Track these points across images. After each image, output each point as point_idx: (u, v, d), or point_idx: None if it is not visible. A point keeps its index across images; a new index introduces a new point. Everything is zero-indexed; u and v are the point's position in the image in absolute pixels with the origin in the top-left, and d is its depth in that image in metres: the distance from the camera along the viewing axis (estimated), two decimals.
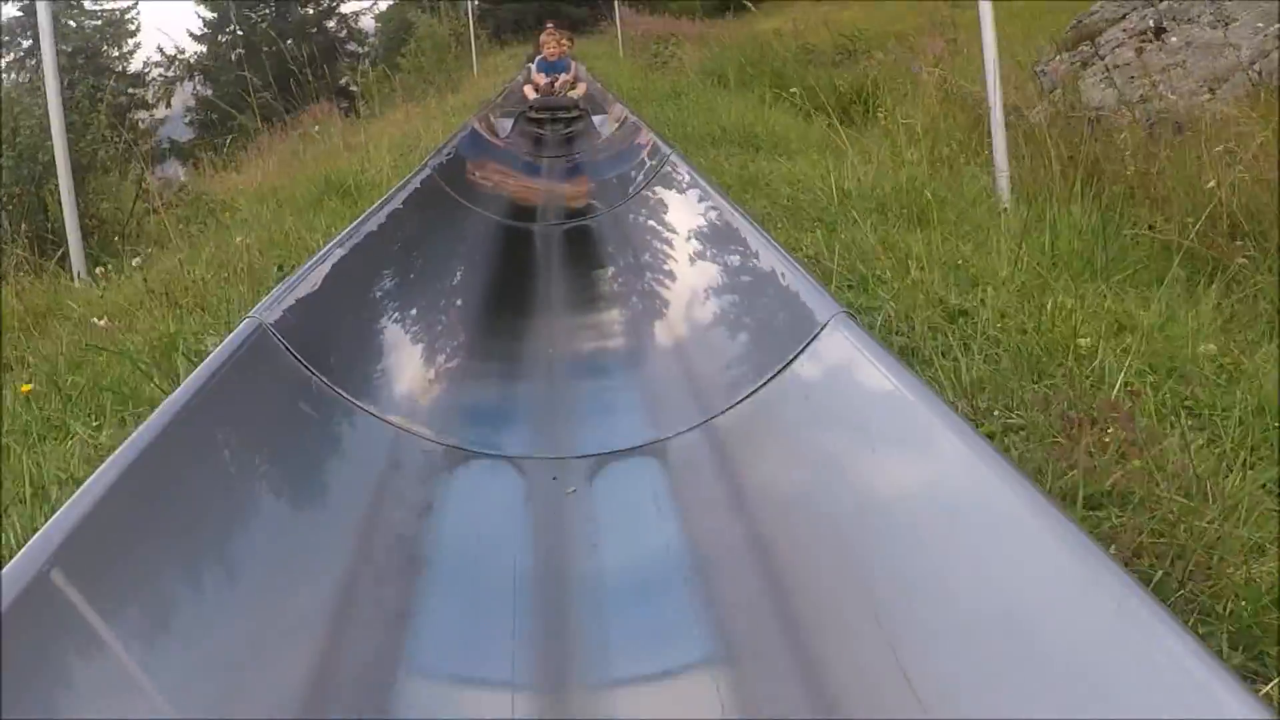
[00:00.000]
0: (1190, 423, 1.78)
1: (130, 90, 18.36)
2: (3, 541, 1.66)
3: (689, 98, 8.08)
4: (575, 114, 7.60)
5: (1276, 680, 1.19)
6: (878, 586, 1.29)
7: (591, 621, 1.49)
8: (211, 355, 1.65)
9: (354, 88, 17.36)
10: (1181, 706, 0.89)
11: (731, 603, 1.46)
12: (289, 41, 17.46)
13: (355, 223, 2.38)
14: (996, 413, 1.80)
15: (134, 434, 1.36)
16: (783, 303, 1.97)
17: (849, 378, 1.62)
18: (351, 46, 21.89)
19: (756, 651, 1.36)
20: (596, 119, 7.58)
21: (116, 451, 1.31)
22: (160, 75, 20.26)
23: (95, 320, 3.27)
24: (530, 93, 7.77)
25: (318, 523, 1.60)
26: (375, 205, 2.60)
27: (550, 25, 8.50)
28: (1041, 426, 1.72)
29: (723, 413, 1.93)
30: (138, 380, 2.37)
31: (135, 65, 20.20)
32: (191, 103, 19.54)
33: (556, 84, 7.76)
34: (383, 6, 22.40)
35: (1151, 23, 8.82)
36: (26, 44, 21.19)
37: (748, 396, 1.88)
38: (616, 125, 6.67)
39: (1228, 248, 3.27)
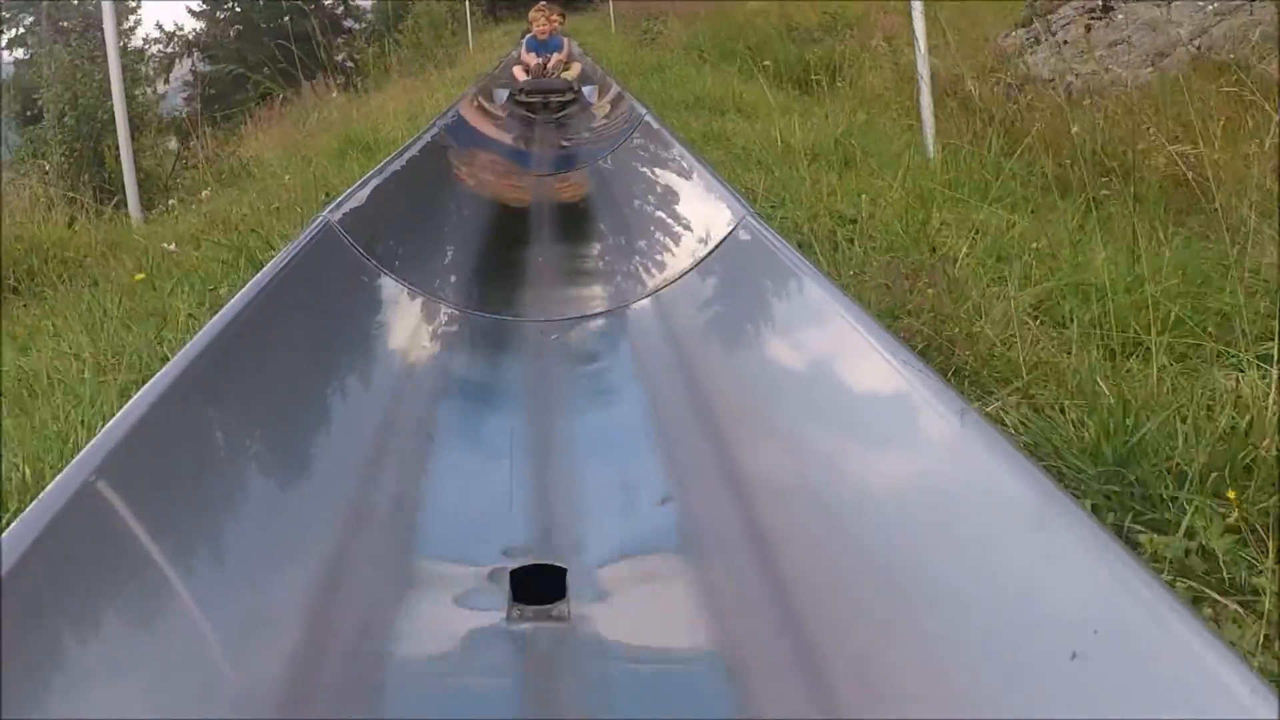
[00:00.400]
0: (990, 276, 2.58)
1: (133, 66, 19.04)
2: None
3: (672, 71, 8.78)
4: (569, 97, 7.20)
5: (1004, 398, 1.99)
6: (785, 406, 1.86)
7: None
8: (287, 247, 2.22)
9: (350, 64, 18.11)
10: (1185, 683, 0.88)
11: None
12: (287, 19, 18.17)
13: (400, 149, 3.19)
14: (853, 272, 2.61)
15: (229, 303, 1.76)
16: (711, 211, 2.76)
17: (753, 263, 2.39)
18: (349, 23, 22.67)
19: (689, 459, 1.80)
20: (586, 89, 7.41)
21: (218, 313, 1.70)
22: (159, 51, 21.03)
23: (165, 245, 4.07)
24: (520, 74, 7.42)
25: (375, 366, 2.35)
26: (416, 135, 3.42)
27: (542, 1, 8.14)
28: (879, 278, 2.54)
29: (664, 288, 2.72)
30: (222, 272, 3.17)
31: (135, 41, 20.93)
32: (189, 78, 20.25)
33: (549, 64, 7.51)
34: None
35: (1100, 1, 9.66)
36: (28, 20, 21.98)
37: (684, 275, 2.68)
38: (608, 106, 6.35)
39: (1095, 182, 4.06)
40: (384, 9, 21.13)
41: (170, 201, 4.76)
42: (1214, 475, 1.54)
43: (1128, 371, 1.95)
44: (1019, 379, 1.96)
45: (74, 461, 1.21)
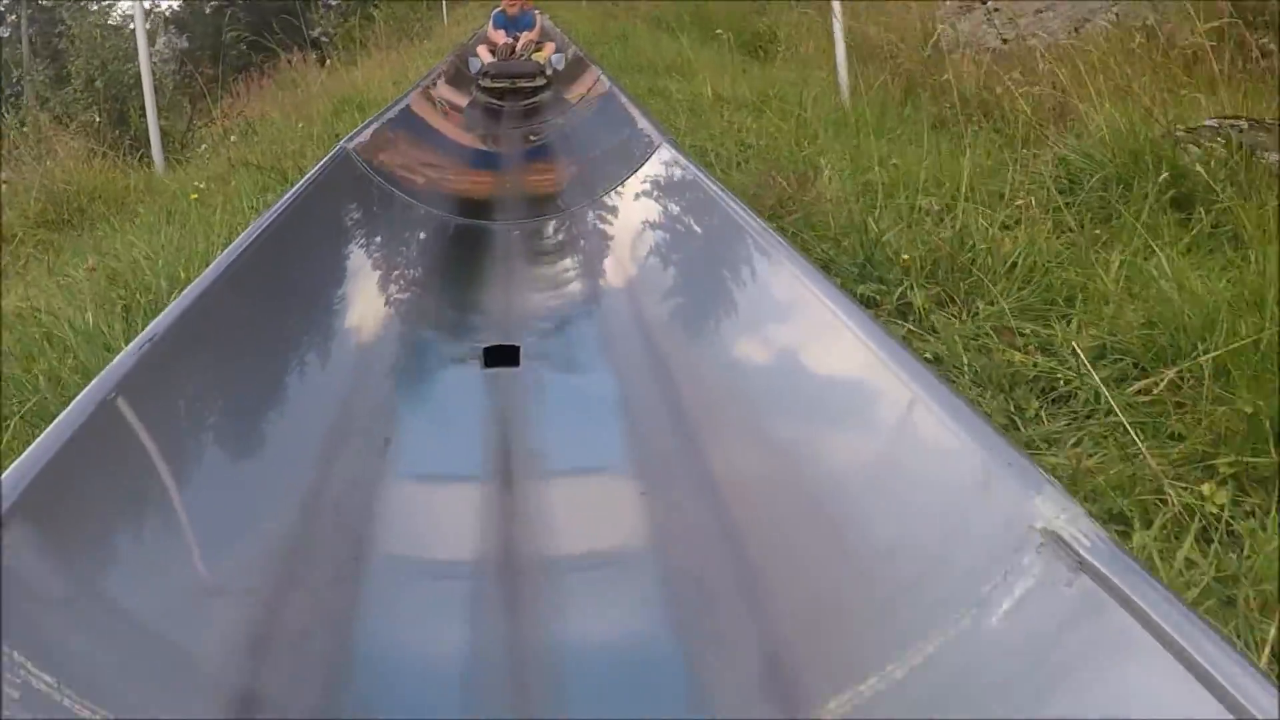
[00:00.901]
0: (840, 176, 3.55)
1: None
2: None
3: (633, 40, 9.69)
4: (540, 82, 6.74)
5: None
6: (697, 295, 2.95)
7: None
8: (314, 168, 3.13)
9: (325, 39, 18.88)
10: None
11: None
12: None
13: (406, 92, 4.15)
14: (738, 177, 3.58)
15: (273, 206, 2.40)
16: (636, 136, 3.71)
17: (673, 180, 3.31)
18: None
19: (643, 402, 2.10)
20: (554, 57, 7.02)
21: (264, 214, 2.31)
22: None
23: (197, 183, 5.01)
24: (486, 55, 6.91)
25: (386, 262, 3.23)
26: (418, 81, 4.41)
27: None
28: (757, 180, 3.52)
29: (604, 194, 3.65)
30: (258, 194, 4.12)
31: (114, 19, 21.67)
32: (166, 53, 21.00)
33: (518, 44, 7.01)
34: None
35: None
36: None
37: (615, 187, 3.63)
38: (583, 92, 5.96)
39: (968, 122, 5.01)
40: None
41: (201, 147, 5.70)
42: (926, 268, 2.54)
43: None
44: (831, 231, 2.93)
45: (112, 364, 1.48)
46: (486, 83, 6.76)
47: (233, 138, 5.76)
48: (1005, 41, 9.03)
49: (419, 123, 4.54)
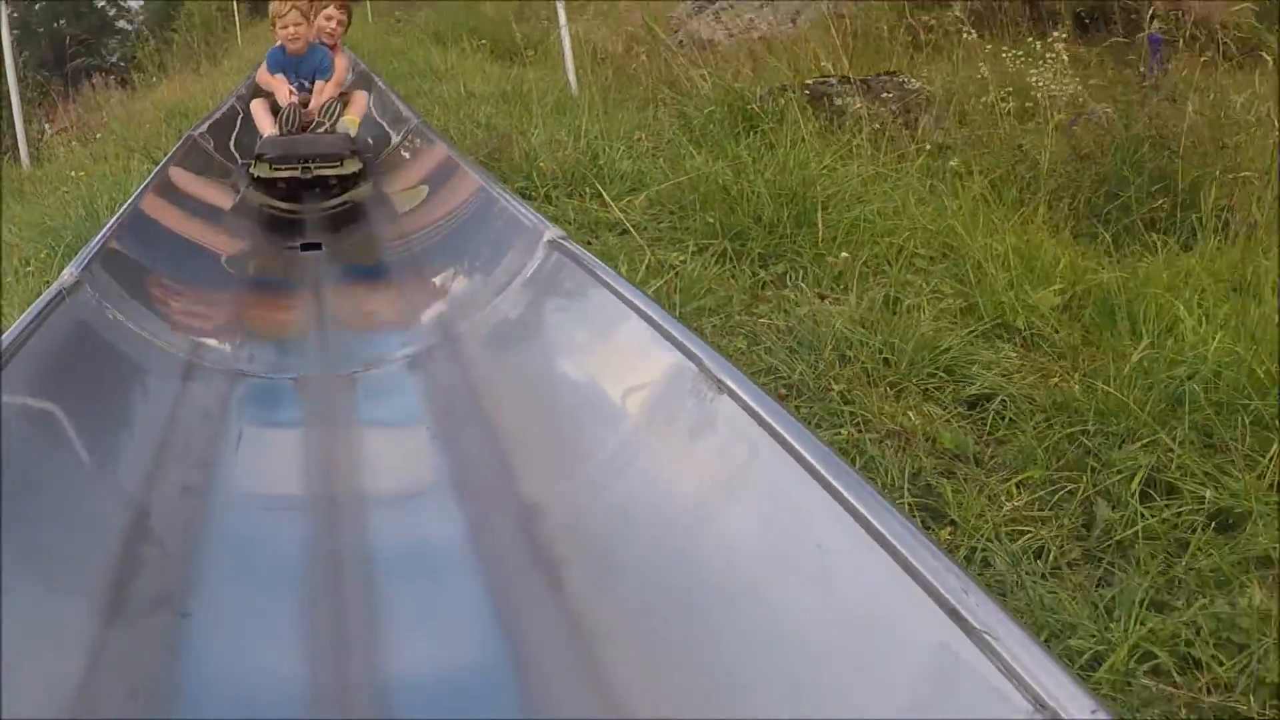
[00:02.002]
0: (539, 137, 5.47)
1: None
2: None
3: (409, 54, 11.45)
4: (353, 168, 4.55)
5: None
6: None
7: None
8: (169, 152, 4.90)
9: (123, 64, 20.01)
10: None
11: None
12: (62, 21, 20.01)
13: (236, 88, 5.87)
14: (468, 142, 5.46)
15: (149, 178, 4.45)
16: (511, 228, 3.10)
17: (416, 152, 5.09)
18: (121, 24, 24.57)
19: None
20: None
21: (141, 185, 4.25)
22: None
23: (71, 173, 6.62)
24: (264, 120, 4.68)
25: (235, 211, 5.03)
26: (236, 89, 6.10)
27: None
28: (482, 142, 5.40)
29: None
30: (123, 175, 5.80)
31: None
32: None
33: (310, 103, 4.76)
34: None
35: None
36: None
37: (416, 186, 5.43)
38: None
39: (653, 99, 7.02)
40: (155, 9, 23.07)
41: (72, 143, 7.27)
42: (567, 177, 4.49)
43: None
44: (543, 176, 4.80)
45: None
46: (263, 171, 4.48)
47: (74, 143, 7.33)
48: (731, 35, 11.30)
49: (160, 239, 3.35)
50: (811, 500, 1.41)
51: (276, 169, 4.57)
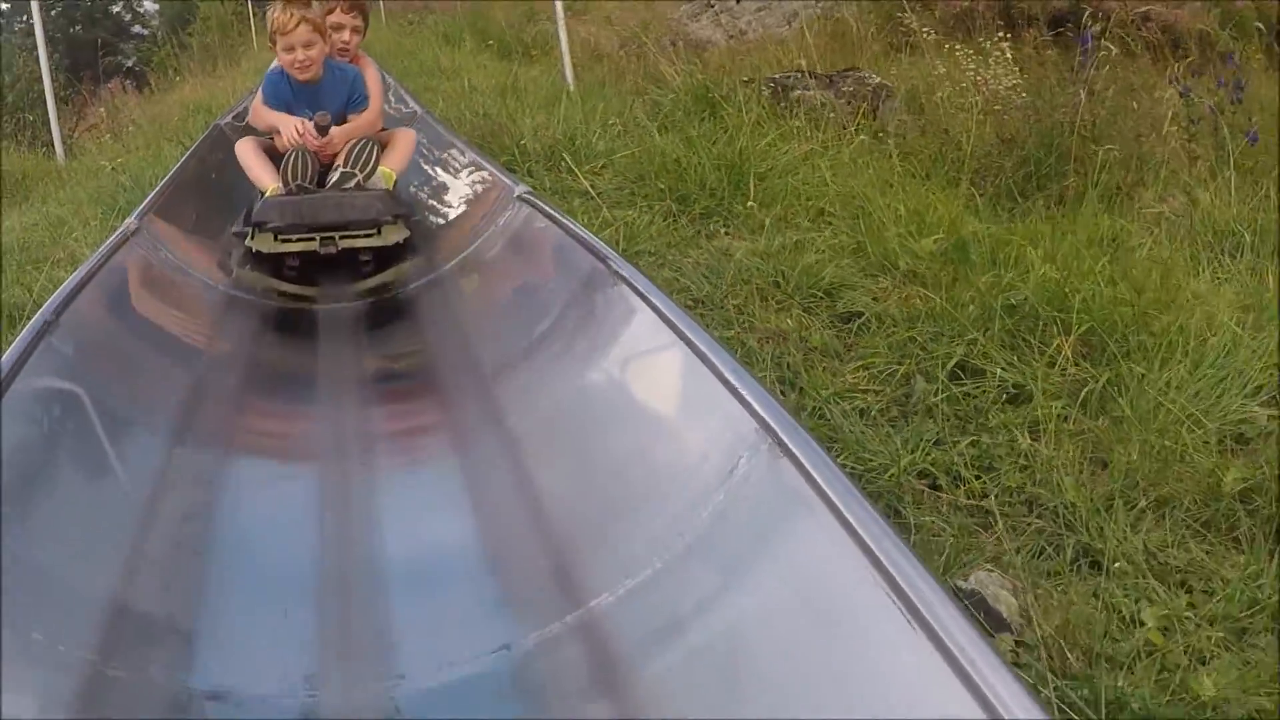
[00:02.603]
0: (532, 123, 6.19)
1: None
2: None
3: (420, 54, 12.21)
4: (394, 238, 3.65)
5: None
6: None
7: None
8: (199, 140, 5.72)
9: (139, 68, 20.97)
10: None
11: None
12: (78, 28, 20.93)
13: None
14: (467, 128, 6.19)
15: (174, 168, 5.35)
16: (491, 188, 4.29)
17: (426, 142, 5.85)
18: (137, 29, 25.54)
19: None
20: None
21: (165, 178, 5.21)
22: None
23: (104, 163, 7.39)
24: (261, 171, 3.72)
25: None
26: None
27: None
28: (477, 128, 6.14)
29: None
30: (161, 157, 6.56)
31: None
32: None
33: (330, 144, 3.72)
34: None
35: None
36: None
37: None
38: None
39: (638, 92, 7.75)
40: (170, 12, 24.04)
41: (104, 138, 8.06)
42: (548, 153, 5.22)
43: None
44: (526, 154, 5.54)
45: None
46: (265, 244, 3.56)
47: (106, 137, 8.12)
48: (730, 37, 12.02)
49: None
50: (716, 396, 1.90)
51: (284, 240, 3.54)
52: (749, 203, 4.24)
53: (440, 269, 3.75)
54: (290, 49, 3.78)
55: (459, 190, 4.34)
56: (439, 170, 4.75)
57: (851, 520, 1.40)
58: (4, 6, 21.31)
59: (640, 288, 2.35)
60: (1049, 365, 2.86)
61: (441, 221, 4.31)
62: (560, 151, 5.18)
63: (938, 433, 2.61)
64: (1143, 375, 2.70)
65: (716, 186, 4.45)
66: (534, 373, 2.63)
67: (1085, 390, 2.70)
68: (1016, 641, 1.78)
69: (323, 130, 3.73)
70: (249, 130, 4.24)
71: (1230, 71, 5.27)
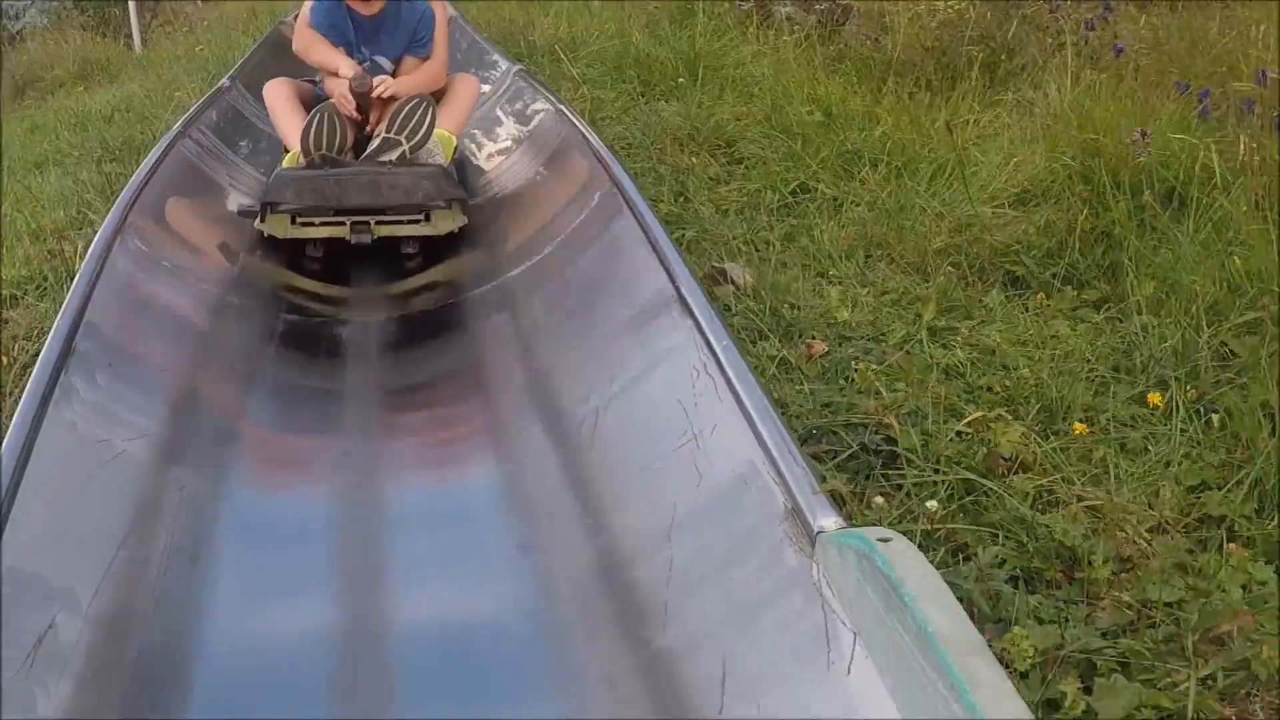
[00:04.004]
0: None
1: None
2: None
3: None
4: (448, 226, 3.29)
5: None
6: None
7: None
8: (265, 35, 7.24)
9: None
10: None
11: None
12: None
13: None
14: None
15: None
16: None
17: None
18: None
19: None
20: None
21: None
22: None
23: (179, 53, 8.97)
24: (291, 127, 3.38)
25: None
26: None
27: None
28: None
29: None
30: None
31: None
32: None
33: (377, 93, 3.46)
34: None
35: None
36: None
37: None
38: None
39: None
40: None
41: (184, 29, 9.65)
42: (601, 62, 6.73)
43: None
44: (533, 49, 7.03)
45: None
46: (279, 228, 3.23)
47: (187, 28, 9.72)
48: None
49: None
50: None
51: (305, 223, 3.16)
52: (697, 88, 5.72)
53: (509, 272, 3.22)
54: None
55: (535, 158, 4.14)
56: (514, 124, 4.66)
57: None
58: None
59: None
60: (860, 185, 4.36)
61: (505, 193, 4.04)
62: (560, 48, 6.68)
63: (768, 222, 4.12)
64: (913, 190, 4.20)
65: (674, 74, 5.94)
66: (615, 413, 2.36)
67: (876, 198, 4.20)
68: (736, 289, 3.29)
69: (361, 98, 3.45)
70: (284, 68, 4.30)
71: None
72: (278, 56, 5.53)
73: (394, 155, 3.33)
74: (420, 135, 3.37)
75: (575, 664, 1.89)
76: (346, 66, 3.58)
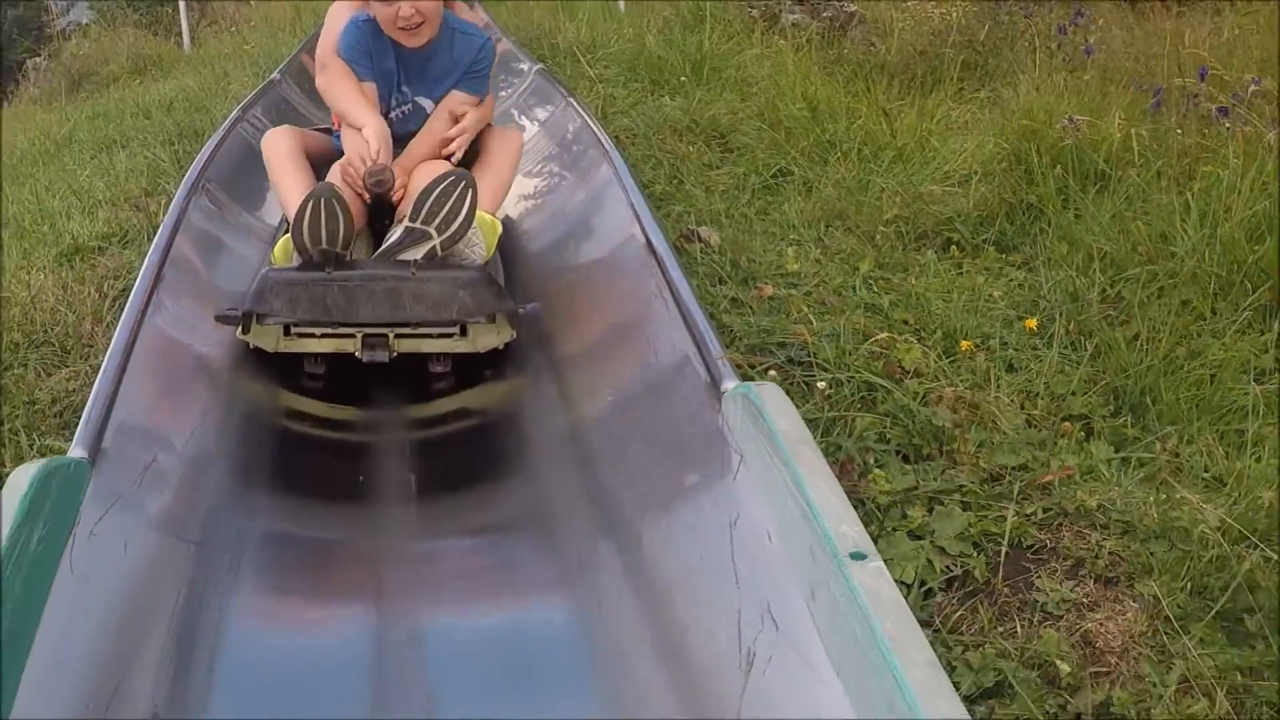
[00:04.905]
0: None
1: None
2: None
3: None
4: (486, 344, 2.79)
5: None
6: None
7: None
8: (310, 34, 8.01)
9: None
10: None
11: None
12: None
13: None
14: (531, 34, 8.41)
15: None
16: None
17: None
18: None
19: None
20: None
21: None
22: None
23: (225, 52, 9.74)
24: (296, 198, 2.71)
25: None
26: None
27: None
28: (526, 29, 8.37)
29: None
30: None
31: None
32: None
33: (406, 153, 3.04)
34: None
35: None
36: None
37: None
38: None
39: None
40: None
41: (232, 29, 10.43)
42: (600, 53, 7.44)
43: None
44: (557, 52, 7.75)
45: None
46: (266, 340, 2.72)
47: (234, 28, 10.51)
48: None
49: None
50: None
51: (302, 334, 2.67)
52: (700, 87, 6.41)
53: (582, 411, 2.68)
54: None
55: (570, 190, 4.18)
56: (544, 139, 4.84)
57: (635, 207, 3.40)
58: None
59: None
60: (837, 165, 5.02)
61: (545, 246, 3.74)
62: (581, 50, 7.38)
63: (748, 200, 4.79)
64: (875, 171, 4.86)
65: (681, 73, 6.63)
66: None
67: (843, 179, 4.86)
68: (703, 246, 3.96)
69: (378, 185, 2.79)
70: (285, 117, 4.78)
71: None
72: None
73: (420, 252, 2.65)
74: (457, 225, 2.66)
75: None
76: (374, 129, 2.88)
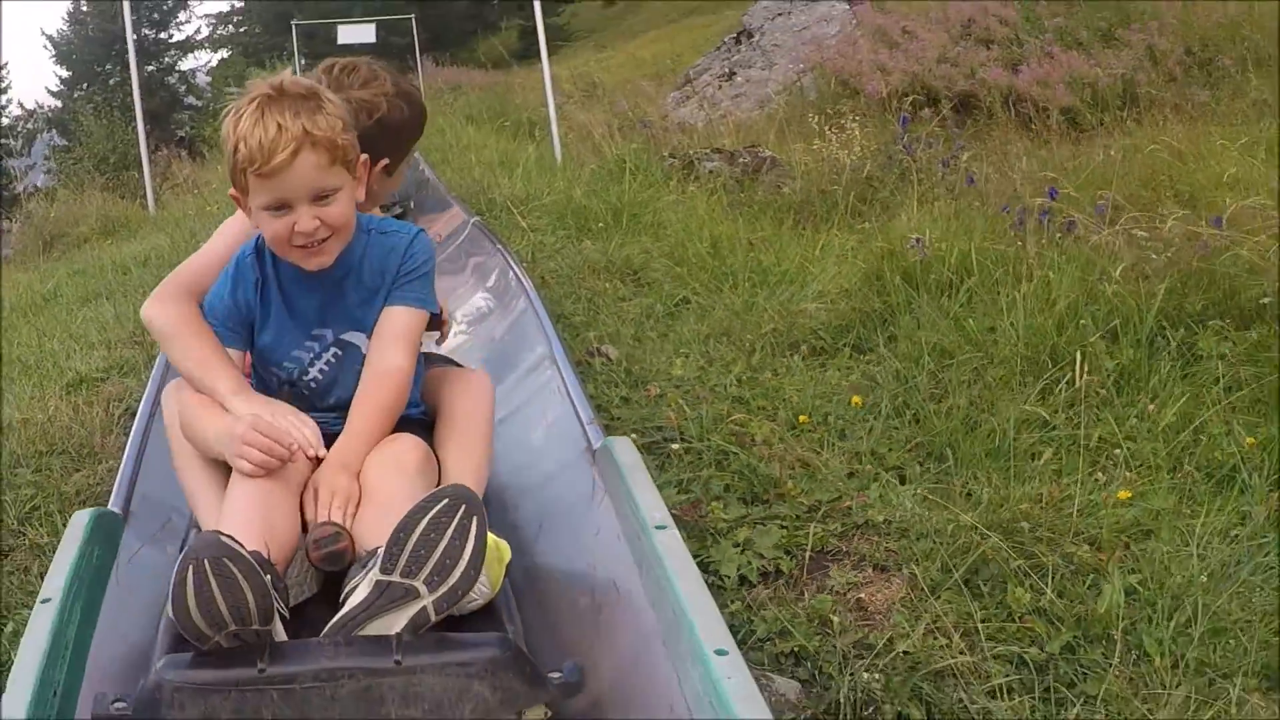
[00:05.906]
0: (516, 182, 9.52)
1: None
2: None
3: (446, 134, 15.69)
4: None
5: None
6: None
7: None
8: None
9: (189, 136, 25.03)
10: None
11: None
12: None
13: None
14: (464, 188, 9.52)
15: None
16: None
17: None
18: (190, 100, 30.11)
19: None
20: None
21: None
22: (24, 127, 28.26)
23: (189, 212, 10.83)
24: (205, 511, 2.38)
25: None
26: None
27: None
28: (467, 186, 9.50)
29: None
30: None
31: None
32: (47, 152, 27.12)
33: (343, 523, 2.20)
34: (214, 63, 31.08)
35: (727, 70, 17.16)
36: None
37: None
38: None
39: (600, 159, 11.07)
40: (220, 84, 28.34)
41: (194, 189, 11.53)
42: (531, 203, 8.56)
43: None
44: (493, 205, 8.85)
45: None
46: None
47: (195, 189, 11.64)
48: (709, 120, 15.34)
49: None
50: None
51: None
52: (621, 232, 7.51)
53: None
54: (279, 205, 2.26)
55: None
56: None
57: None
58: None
59: None
60: (730, 292, 6.06)
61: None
62: (509, 203, 8.49)
63: (652, 325, 5.80)
64: (761, 294, 5.91)
65: (605, 220, 7.74)
66: None
67: (731, 304, 5.90)
68: (603, 359, 4.96)
69: (331, 561, 2.13)
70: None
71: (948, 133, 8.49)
72: None
73: (402, 621, 1.85)
74: (457, 576, 1.86)
75: None
76: (286, 418, 2.34)
